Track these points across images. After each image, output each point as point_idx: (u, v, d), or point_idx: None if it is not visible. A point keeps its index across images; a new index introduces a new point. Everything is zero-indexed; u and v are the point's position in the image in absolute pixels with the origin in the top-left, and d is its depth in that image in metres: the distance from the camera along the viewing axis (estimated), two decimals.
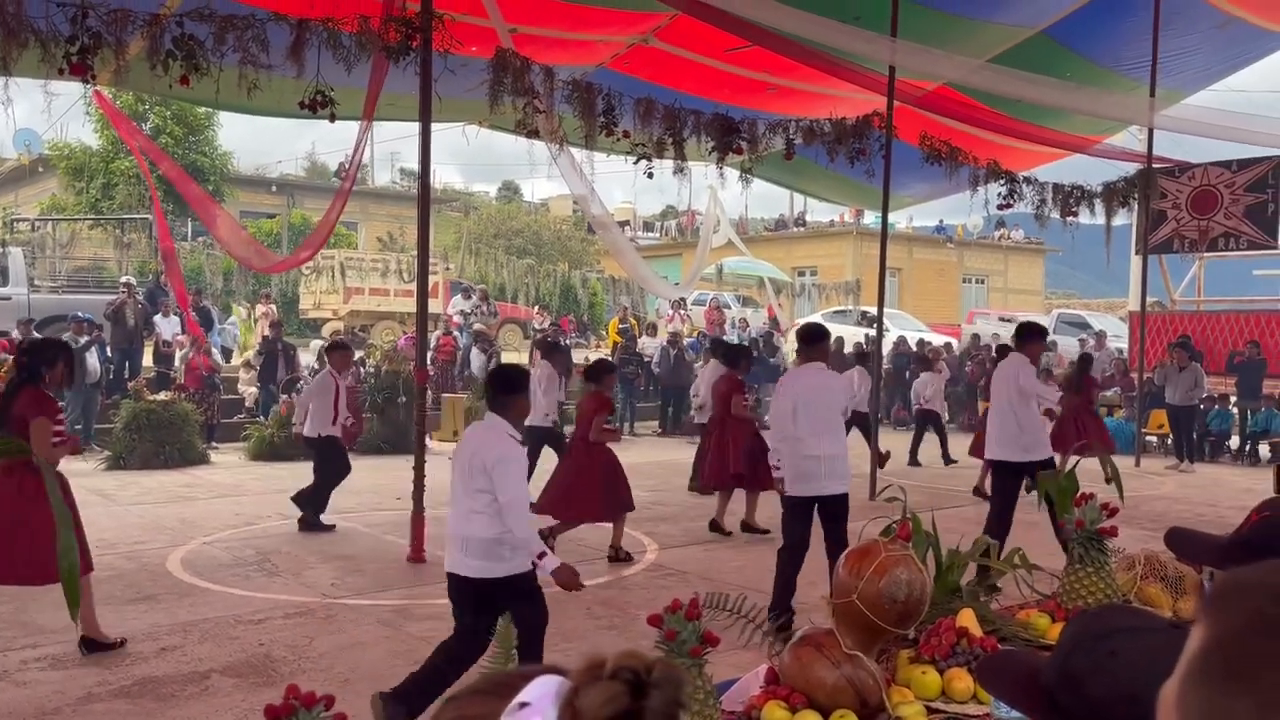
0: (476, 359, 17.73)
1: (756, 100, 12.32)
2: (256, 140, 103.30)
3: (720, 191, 17.32)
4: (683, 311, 21.76)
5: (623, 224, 40.49)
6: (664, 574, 7.50)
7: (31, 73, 6.47)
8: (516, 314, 24.48)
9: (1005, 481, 7.33)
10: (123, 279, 17.01)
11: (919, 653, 2.34)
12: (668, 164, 10.29)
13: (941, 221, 38.76)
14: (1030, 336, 7.55)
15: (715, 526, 8.92)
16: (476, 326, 19.08)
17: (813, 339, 6.25)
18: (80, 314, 14.56)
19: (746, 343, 18.01)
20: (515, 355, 20.56)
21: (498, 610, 2.94)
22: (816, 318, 25.12)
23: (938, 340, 21.83)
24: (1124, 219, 15.36)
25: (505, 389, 4.42)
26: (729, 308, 24.77)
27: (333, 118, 7.56)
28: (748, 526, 8.93)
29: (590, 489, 7.69)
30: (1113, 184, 13.98)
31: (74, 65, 6.43)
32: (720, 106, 10.76)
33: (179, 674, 5.13)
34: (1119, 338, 21.09)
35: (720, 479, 9.18)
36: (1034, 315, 23.19)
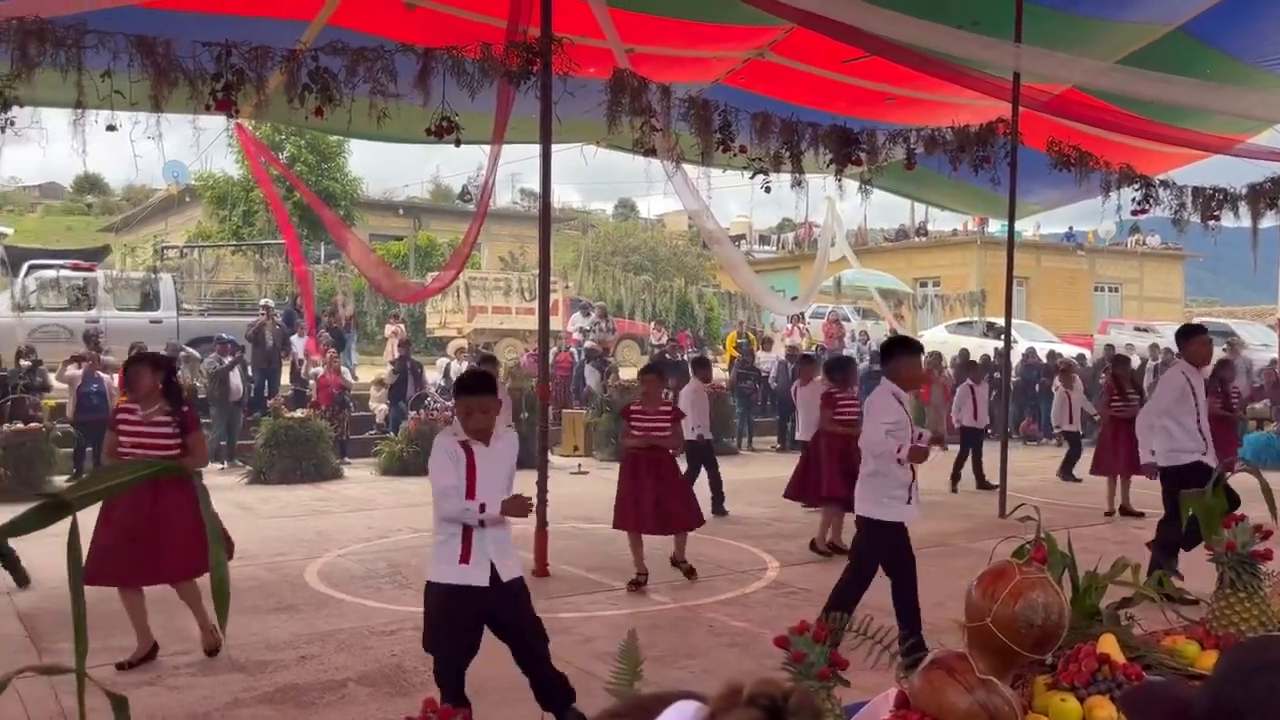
0: (591, 375, 17.95)
1: (875, 111, 12.13)
2: (384, 165, 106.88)
3: (838, 203, 17.10)
4: (801, 325, 21.55)
5: (739, 238, 40.43)
6: (785, 592, 7.43)
7: (181, 109, 6.88)
8: (634, 330, 24.69)
9: (1176, 488, 6.98)
10: (262, 302, 17.87)
11: (1057, 679, 2.26)
12: (784, 177, 10.24)
13: (1071, 228, 37.38)
14: (1190, 336, 7.24)
15: (814, 546, 8.75)
16: (588, 344, 19.31)
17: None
18: (224, 335, 15.33)
19: (868, 356, 17.73)
20: (632, 370, 20.72)
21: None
22: (940, 330, 24.52)
23: (1069, 351, 21.03)
24: (1272, 220, 14.54)
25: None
26: (848, 320, 24.42)
27: (458, 142, 7.80)
28: (824, 548, 8.68)
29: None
30: (1258, 185, 13.24)
31: (219, 101, 6.82)
32: (838, 118, 10.64)
33: (318, 682, 5.34)
34: (1268, 346, 19.93)
35: (806, 494, 9.13)
36: (1173, 324, 22.15)
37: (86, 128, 6.47)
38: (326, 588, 7.50)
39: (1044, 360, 19.49)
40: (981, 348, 19.88)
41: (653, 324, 23.90)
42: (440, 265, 27.74)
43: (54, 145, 7.04)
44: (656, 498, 7.51)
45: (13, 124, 6.24)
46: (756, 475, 13.61)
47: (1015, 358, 17.15)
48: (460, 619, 4.33)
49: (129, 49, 6.31)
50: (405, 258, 28.33)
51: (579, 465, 14.76)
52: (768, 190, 9.78)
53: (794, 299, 19.50)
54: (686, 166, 9.84)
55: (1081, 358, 20.61)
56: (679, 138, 9.05)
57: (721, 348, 24.03)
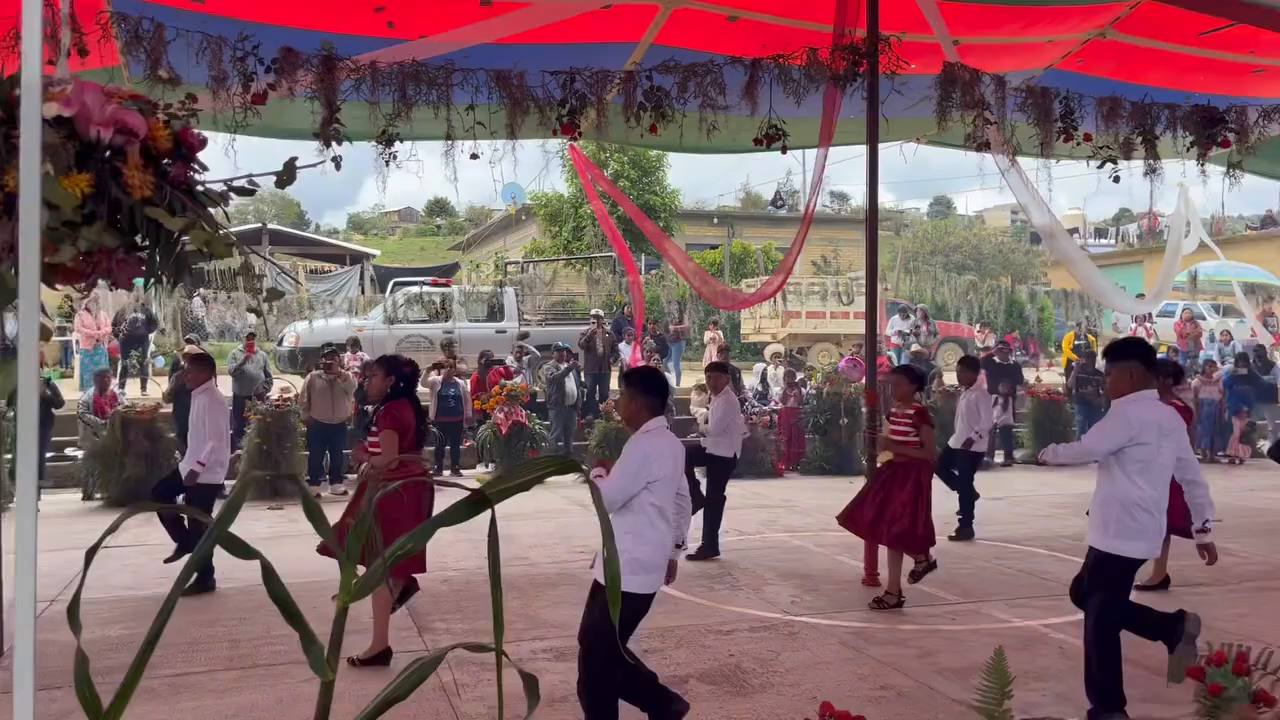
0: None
1: (1240, 85, 10.87)
2: (697, 176, 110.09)
3: (1190, 190, 15.50)
4: (1148, 325, 19.72)
5: (1071, 231, 37.66)
6: None
7: (532, 134, 7.47)
8: (958, 332, 23.68)
9: None
10: (592, 311, 18.94)
11: None
12: (1132, 165, 9.42)
13: None
14: None
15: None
16: (915, 348, 18.72)
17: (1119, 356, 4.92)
18: (560, 343, 16.41)
19: (1233, 358, 15.92)
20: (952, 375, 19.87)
21: None
22: None
23: None
24: None
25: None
26: (1204, 319, 22.04)
27: (784, 149, 7.86)
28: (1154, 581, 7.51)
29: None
30: None
31: (564, 125, 7.33)
32: (1195, 96, 9.64)
33: (662, 676, 5.55)
34: None
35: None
36: None
37: (455, 156, 7.19)
38: (665, 586, 7.79)
39: None
40: None
41: (978, 326, 22.82)
42: (754, 272, 28.12)
43: (403, 174, 7.92)
44: (881, 506, 7.10)
45: (395, 157, 7.07)
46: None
47: None
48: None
49: (489, 83, 6.93)
50: (720, 265, 28.95)
51: None
52: (1116, 180, 9.04)
53: (1139, 296, 17.87)
54: (1021, 159, 9.32)
55: None
56: (1015, 129, 8.58)
57: (1055, 350, 22.49)
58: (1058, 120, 8.28)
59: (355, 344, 16.07)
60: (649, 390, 4.48)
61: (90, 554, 1.76)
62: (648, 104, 7.33)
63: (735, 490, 12.60)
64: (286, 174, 2.48)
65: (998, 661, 2.65)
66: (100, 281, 2.39)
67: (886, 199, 69.82)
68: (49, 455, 13.08)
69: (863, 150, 8.44)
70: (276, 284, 20.44)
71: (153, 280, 2.13)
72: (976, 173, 8.65)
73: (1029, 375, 17.54)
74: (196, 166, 2.25)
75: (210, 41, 6.40)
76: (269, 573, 2.06)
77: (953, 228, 40.96)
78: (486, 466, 14.15)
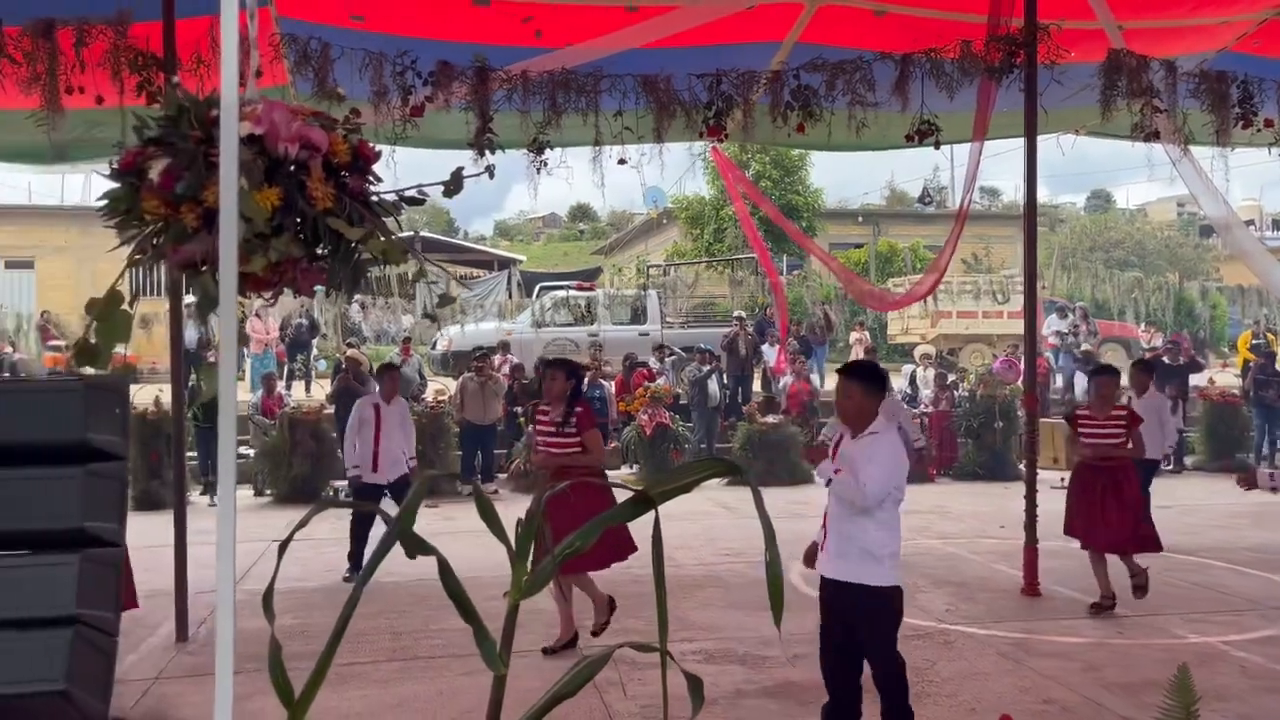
0: (1082, 381, 16.67)
1: None
2: (839, 174, 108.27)
3: None
4: None
5: (1247, 223, 35.34)
6: None
7: (679, 138, 7.51)
8: (1122, 332, 22.54)
9: None
10: (735, 313, 18.90)
11: None
12: None
13: None
14: None
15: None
16: (1084, 347, 17.93)
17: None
18: (703, 345, 16.44)
19: None
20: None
21: None
22: None
23: None
24: None
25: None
26: None
27: (937, 144, 7.66)
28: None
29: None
30: None
31: (710, 128, 7.34)
32: None
33: (814, 682, 5.48)
34: None
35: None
36: None
37: (603, 162, 7.30)
38: (808, 589, 7.70)
39: None
40: None
41: (1143, 325, 21.67)
42: (900, 271, 27.48)
43: (550, 180, 8.07)
44: (1106, 512, 6.76)
45: (545, 165, 7.23)
46: None
47: None
48: None
49: (636, 88, 7.01)
50: (865, 265, 28.42)
51: (1061, 479, 13.77)
52: None
53: None
54: (1193, 149, 8.80)
55: None
56: (1186, 117, 8.11)
57: (1229, 349, 21.15)
58: (1235, 106, 7.79)
59: (505, 347, 16.50)
60: (878, 385, 4.39)
61: (283, 547, 1.87)
62: (795, 103, 7.26)
63: None
64: (454, 184, 2.57)
65: (1182, 679, 2.51)
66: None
67: (1041, 193, 67.07)
68: None
69: (1016, 144, 8.13)
70: (446, 290, 21.10)
71: (332, 288, 2.25)
72: (1142, 164, 8.24)
73: (1199, 377, 16.54)
74: (372, 178, 2.35)
75: (372, 58, 6.68)
76: (445, 569, 2.13)
77: (1113, 222, 39.02)
78: (631, 468, 14.29)
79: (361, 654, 5.98)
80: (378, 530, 7.95)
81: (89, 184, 24.63)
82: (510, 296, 25.82)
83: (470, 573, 2.49)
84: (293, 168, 1.98)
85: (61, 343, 22.00)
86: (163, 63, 6.15)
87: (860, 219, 35.78)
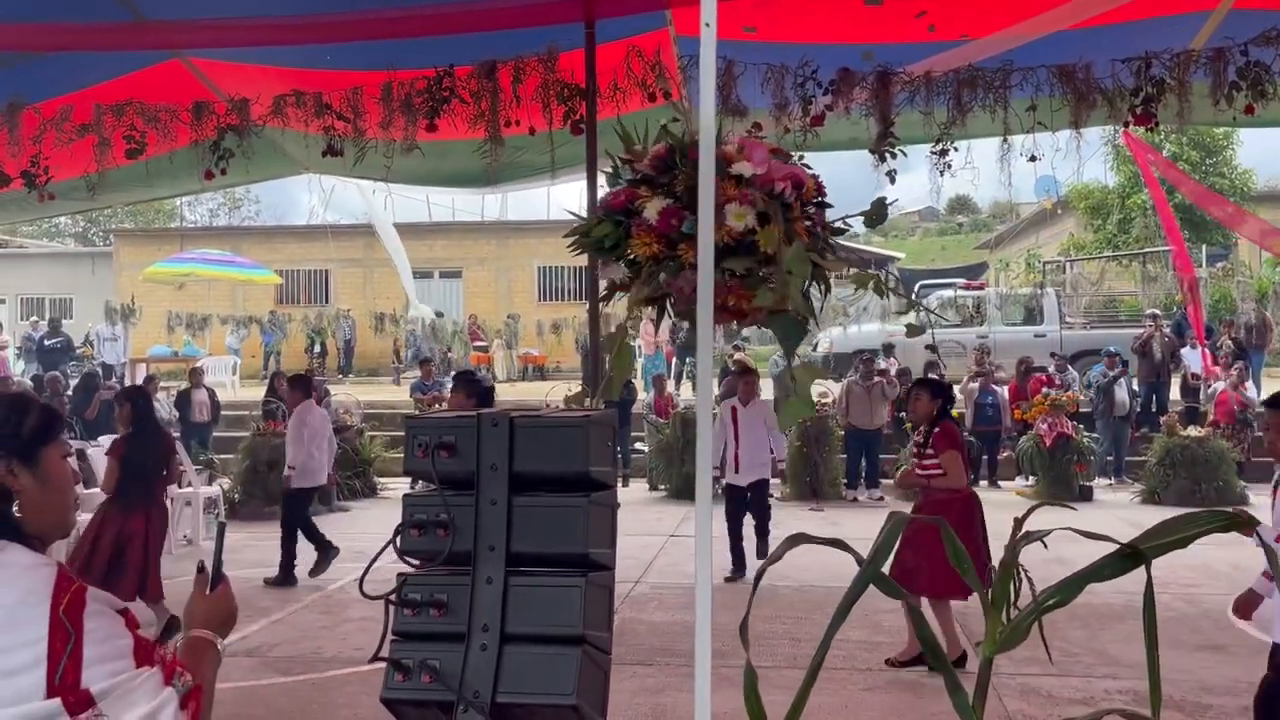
0: None
1: None
2: (1273, 151, 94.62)
3: None
4: None
5: None
6: None
7: (1098, 123, 6.96)
8: None
9: None
10: (1148, 312, 17.16)
11: None
12: None
13: None
14: None
15: None
16: None
17: None
18: (1111, 348, 15.08)
19: None
20: None
21: None
22: None
23: None
24: None
25: None
26: None
27: None
28: None
29: None
30: None
31: (1138, 116, 6.67)
32: None
33: None
34: None
35: None
36: None
37: (1012, 160, 6.90)
38: (1257, 630, 6.78)
39: None
40: None
41: None
42: None
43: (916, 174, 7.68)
44: None
45: (950, 166, 6.95)
46: None
47: None
48: None
49: (1050, 79, 6.53)
50: None
51: None
52: None
53: None
54: None
55: None
56: None
57: None
58: None
59: (889, 349, 16.15)
60: None
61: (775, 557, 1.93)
62: (1242, 82, 6.39)
63: None
64: (876, 213, 2.51)
65: None
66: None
67: None
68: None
69: None
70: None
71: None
72: None
73: None
74: (826, 206, 2.35)
75: (774, 71, 6.78)
76: (918, 618, 2.09)
77: None
78: (1026, 480, 13.42)
79: (763, 658, 6.08)
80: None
81: (504, 202, 27.45)
82: (886, 297, 25.19)
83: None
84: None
85: (485, 344, 24.72)
86: (584, 92, 6.63)
87: None
